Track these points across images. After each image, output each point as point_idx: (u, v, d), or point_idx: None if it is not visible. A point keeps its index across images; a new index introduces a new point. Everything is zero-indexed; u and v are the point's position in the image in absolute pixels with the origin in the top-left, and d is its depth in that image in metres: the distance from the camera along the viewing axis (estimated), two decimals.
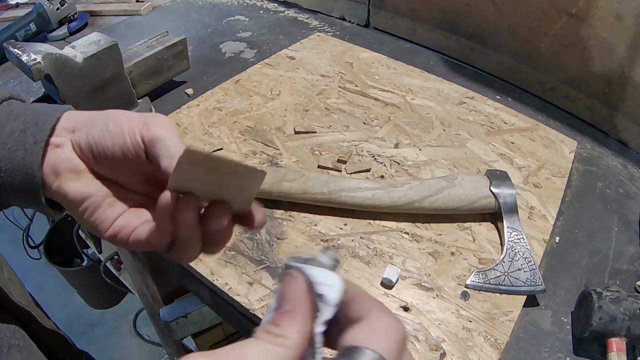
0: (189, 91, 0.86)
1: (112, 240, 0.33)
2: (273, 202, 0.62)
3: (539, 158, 0.71)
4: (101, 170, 0.33)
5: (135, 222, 0.33)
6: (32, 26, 1.00)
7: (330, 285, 0.23)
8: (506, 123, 0.77)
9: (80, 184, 0.33)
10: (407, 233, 0.59)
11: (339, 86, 0.84)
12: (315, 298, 0.23)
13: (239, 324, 0.54)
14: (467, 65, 0.94)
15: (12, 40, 0.67)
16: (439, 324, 0.50)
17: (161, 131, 0.31)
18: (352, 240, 0.58)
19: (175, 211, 0.30)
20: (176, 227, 0.30)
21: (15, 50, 0.63)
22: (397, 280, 0.54)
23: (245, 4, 1.20)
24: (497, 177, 0.60)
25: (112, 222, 0.33)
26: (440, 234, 0.59)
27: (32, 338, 0.39)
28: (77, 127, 0.33)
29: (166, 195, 0.29)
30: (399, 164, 0.69)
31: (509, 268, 0.54)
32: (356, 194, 0.59)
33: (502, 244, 0.57)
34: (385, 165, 0.69)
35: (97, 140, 0.32)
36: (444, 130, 0.75)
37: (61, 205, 0.35)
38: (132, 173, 0.34)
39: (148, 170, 0.33)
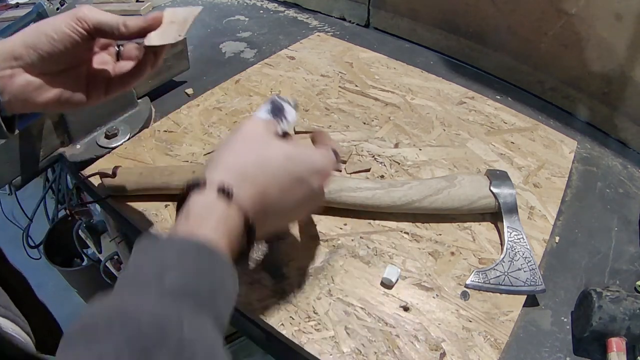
0: (189, 91, 0.85)
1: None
2: None
3: (539, 158, 0.71)
4: (59, 67, 0.44)
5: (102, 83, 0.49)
6: None
7: (291, 115, 0.47)
8: (506, 123, 0.77)
9: (50, 92, 0.44)
10: (407, 233, 0.59)
11: (339, 86, 0.84)
12: (282, 117, 0.46)
13: (239, 323, 0.54)
14: (467, 65, 0.94)
15: None
16: (439, 324, 0.50)
17: (97, 16, 0.42)
18: (352, 240, 0.58)
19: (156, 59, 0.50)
20: (152, 68, 0.50)
21: None
22: (397, 280, 0.54)
23: (245, 4, 1.20)
24: (497, 177, 0.60)
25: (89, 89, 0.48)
26: (440, 234, 0.59)
27: None
28: (17, 53, 0.41)
29: (149, 55, 0.49)
30: (399, 163, 0.69)
31: (509, 268, 0.54)
32: (356, 194, 0.59)
33: (502, 244, 0.57)
34: (385, 165, 0.69)
35: (50, 52, 0.41)
36: (444, 130, 0.75)
37: (13, 126, 0.47)
38: (82, 53, 0.45)
39: (92, 42, 0.45)
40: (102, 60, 0.50)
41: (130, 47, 0.49)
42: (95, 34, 0.43)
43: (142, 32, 0.45)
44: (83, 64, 0.47)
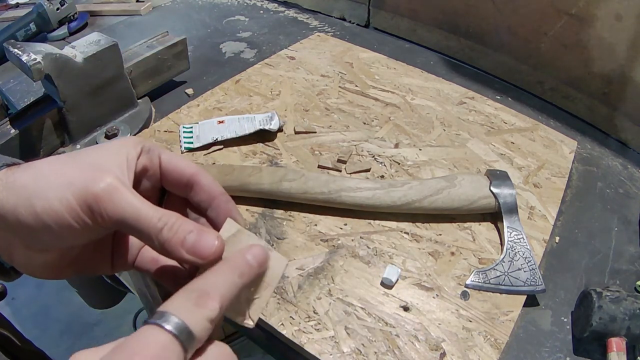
0: (189, 91, 0.86)
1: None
2: (273, 202, 0.62)
3: (539, 158, 0.71)
4: (67, 246, 0.29)
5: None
6: (32, 26, 1.00)
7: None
8: (506, 123, 0.77)
9: (61, 266, 0.30)
10: (407, 233, 0.59)
11: (339, 86, 0.84)
12: None
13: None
14: (467, 65, 0.94)
15: (12, 40, 0.67)
16: (439, 324, 0.50)
17: (119, 210, 0.25)
18: (352, 240, 0.58)
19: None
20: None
21: (15, 50, 0.63)
22: (397, 280, 0.54)
23: (245, 4, 1.20)
24: (497, 177, 0.60)
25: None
26: (440, 234, 0.59)
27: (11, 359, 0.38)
28: (9, 220, 0.26)
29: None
30: (399, 164, 0.69)
31: (509, 268, 0.54)
32: (356, 194, 0.59)
33: (502, 244, 0.57)
34: (385, 165, 0.69)
35: (49, 242, 0.27)
36: (444, 130, 0.75)
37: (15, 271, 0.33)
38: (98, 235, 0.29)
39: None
40: None
41: None
42: (114, 228, 0.27)
43: (186, 262, 0.28)
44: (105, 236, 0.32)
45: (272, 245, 0.58)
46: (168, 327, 0.22)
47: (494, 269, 0.54)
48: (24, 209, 0.26)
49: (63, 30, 1.04)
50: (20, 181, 0.26)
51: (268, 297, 0.29)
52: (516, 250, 0.55)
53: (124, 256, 0.33)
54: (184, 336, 0.22)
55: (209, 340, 0.24)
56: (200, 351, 0.24)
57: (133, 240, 0.33)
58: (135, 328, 1.31)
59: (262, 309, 0.29)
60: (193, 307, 0.23)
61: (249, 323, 0.28)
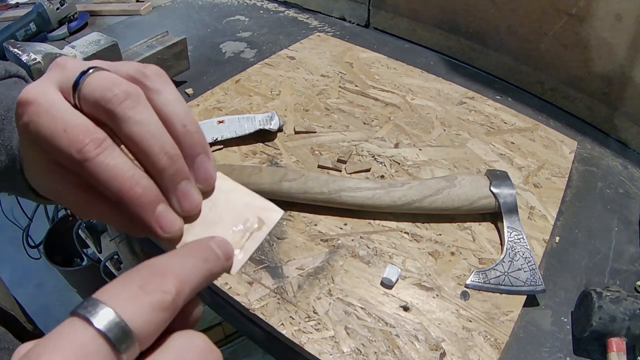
0: (189, 91, 0.86)
1: None
2: (273, 202, 0.61)
3: (539, 158, 0.71)
4: None
5: None
6: (32, 26, 1.00)
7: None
8: (506, 123, 0.77)
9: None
10: (407, 233, 0.59)
11: (339, 86, 0.84)
12: None
13: (238, 323, 0.54)
14: (467, 65, 0.94)
15: (12, 40, 0.67)
16: (439, 324, 0.50)
17: None
18: (352, 240, 0.58)
19: None
20: None
21: (15, 50, 0.63)
22: (397, 280, 0.54)
23: (245, 4, 1.20)
24: (497, 177, 0.60)
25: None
26: (440, 234, 0.59)
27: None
28: None
29: None
30: (399, 164, 0.69)
31: (509, 268, 0.54)
32: (356, 194, 0.59)
33: (502, 244, 0.57)
34: (385, 165, 0.69)
35: None
36: (444, 130, 0.75)
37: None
38: None
39: None
40: None
41: None
42: None
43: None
44: None
45: (272, 244, 0.58)
46: (95, 320, 0.17)
47: (494, 269, 0.54)
48: None
49: (63, 30, 1.04)
50: None
51: (258, 242, 0.27)
52: (516, 250, 0.55)
53: None
54: (114, 333, 0.17)
55: (173, 331, 0.20)
56: (158, 344, 0.19)
57: None
58: None
59: (248, 257, 0.26)
60: (138, 291, 0.18)
61: (233, 269, 0.25)
